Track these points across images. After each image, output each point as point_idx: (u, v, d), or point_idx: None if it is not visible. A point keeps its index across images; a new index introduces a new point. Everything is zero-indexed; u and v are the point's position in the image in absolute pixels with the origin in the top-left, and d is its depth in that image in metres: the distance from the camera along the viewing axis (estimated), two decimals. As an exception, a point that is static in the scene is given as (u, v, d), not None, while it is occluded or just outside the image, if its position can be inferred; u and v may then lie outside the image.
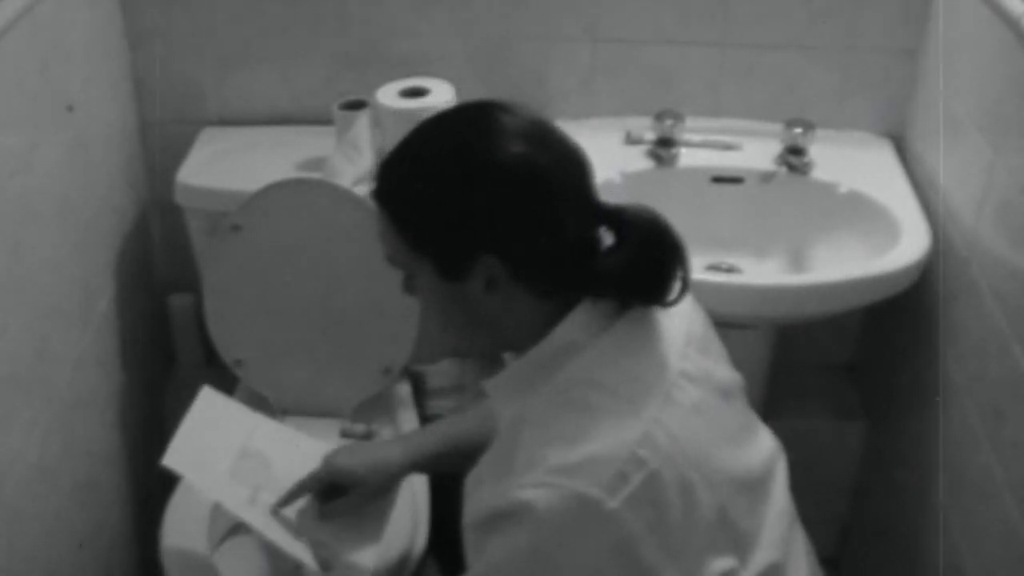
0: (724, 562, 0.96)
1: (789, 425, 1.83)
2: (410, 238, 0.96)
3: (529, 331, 0.98)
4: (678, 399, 0.96)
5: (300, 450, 1.41)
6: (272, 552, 1.65)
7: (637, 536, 0.89)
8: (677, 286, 0.98)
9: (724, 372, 1.06)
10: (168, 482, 1.61)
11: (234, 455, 1.38)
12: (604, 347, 0.96)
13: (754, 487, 1.02)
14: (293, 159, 1.71)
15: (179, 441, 1.36)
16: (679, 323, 1.01)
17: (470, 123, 0.96)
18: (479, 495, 0.95)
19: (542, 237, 0.93)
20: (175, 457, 1.34)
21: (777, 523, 1.04)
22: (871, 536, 1.84)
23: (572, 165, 0.96)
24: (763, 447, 1.08)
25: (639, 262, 0.95)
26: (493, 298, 0.95)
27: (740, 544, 0.98)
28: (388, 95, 1.65)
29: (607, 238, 0.98)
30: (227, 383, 1.79)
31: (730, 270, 1.68)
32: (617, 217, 0.97)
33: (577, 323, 0.97)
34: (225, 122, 1.82)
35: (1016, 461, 1.29)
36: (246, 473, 1.37)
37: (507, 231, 0.93)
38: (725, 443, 1.00)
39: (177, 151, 1.75)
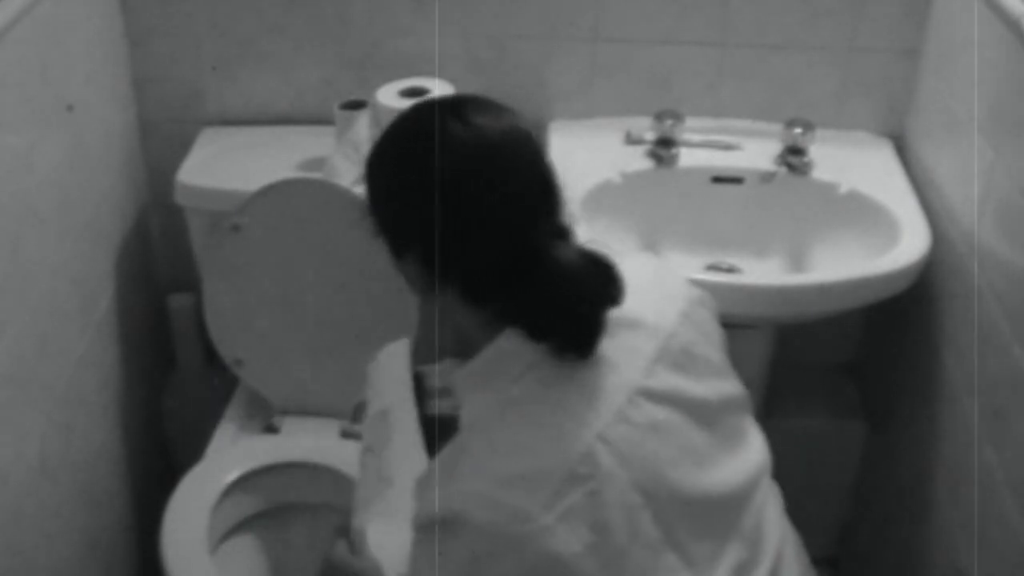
0: None
1: (789, 425, 1.85)
2: (369, 209, 1.02)
3: (471, 332, 0.99)
4: (632, 417, 0.94)
5: (413, 454, 1.42)
6: (272, 552, 1.66)
7: (572, 553, 0.88)
8: (597, 340, 0.95)
9: (703, 389, 1.02)
10: (168, 482, 1.61)
11: (382, 408, 1.39)
12: (558, 361, 0.95)
13: (718, 510, 1.00)
14: (293, 159, 1.71)
15: (382, 358, 1.37)
16: (651, 338, 1.00)
17: (420, 124, 0.99)
18: (425, 496, 0.95)
19: (457, 249, 0.94)
20: (379, 360, 1.35)
21: (742, 546, 1.01)
22: (871, 536, 1.84)
23: (511, 191, 0.94)
24: (740, 468, 1.04)
25: (550, 308, 0.93)
26: (428, 288, 0.99)
27: (697, 568, 0.96)
28: (388, 95, 1.65)
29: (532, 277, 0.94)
30: (227, 383, 1.79)
31: (730, 270, 1.68)
32: (543, 257, 0.93)
33: (516, 339, 0.96)
34: (225, 122, 1.82)
35: (1016, 461, 1.29)
36: (378, 428, 1.37)
37: (425, 234, 0.95)
38: (686, 463, 0.98)
39: (177, 151, 1.75)
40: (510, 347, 0.97)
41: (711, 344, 1.07)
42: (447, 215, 0.94)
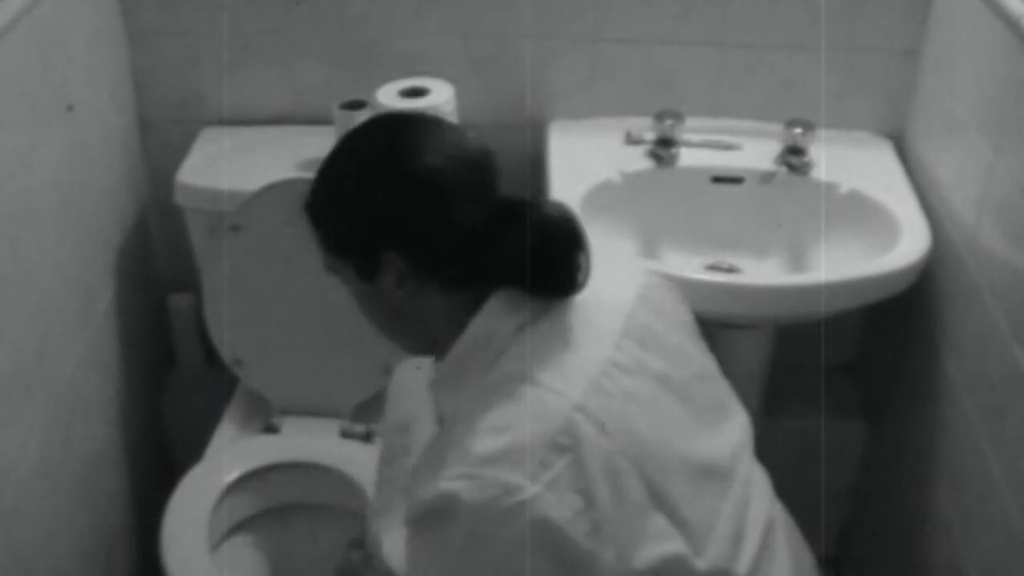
0: (668, 546, 0.97)
1: (789, 425, 1.84)
2: (327, 243, 1.05)
3: (449, 325, 1.02)
4: (607, 388, 0.98)
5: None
6: (272, 552, 1.65)
7: (563, 520, 0.91)
8: (579, 276, 1.01)
9: (667, 365, 1.06)
10: (168, 482, 1.61)
11: (403, 420, 1.39)
12: (531, 341, 0.99)
13: (705, 477, 1.03)
14: (293, 159, 1.71)
15: (405, 366, 1.38)
16: (614, 316, 1.04)
17: (371, 137, 1.04)
18: (415, 489, 0.97)
19: (438, 233, 0.99)
20: (401, 371, 1.36)
21: (732, 516, 1.03)
22: (871, 536, 1.84)
23: (470, 167, 1.01)
24: (720, 442, 1.07)
25: (533, 252, 0.99)
26: (405, 293, 1.02)
27: (690, 532, 0.99)
28: (388, 95, 1.65)
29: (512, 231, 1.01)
30: (227, 383, 1.79)
31: (730, 270, 1.68)
32: (516, 211, 1.00)
33: (492, 314, 1.00)
34: (225, 122, 1.81)
35: (1016, 461, 1.29)
36: (395, 439, 1.37)
37: (405, 230, 0.99)
38: (668, 431, 1.01)
39: (177, 151, 1.75)
40: (486, 326, 1.00)
41: (671, 324, 1.10)
42: (426, 203, 0.98)
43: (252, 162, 1.71)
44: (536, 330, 1.00)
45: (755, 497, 1.09)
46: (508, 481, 0.90)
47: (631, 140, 1.75)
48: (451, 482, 0.92)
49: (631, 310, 1.06)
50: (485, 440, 0.93)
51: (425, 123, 1.04)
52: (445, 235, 0.99)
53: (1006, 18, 1.36)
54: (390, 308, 1.05)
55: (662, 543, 0.96)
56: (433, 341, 1.06)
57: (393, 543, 1.28)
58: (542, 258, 0.99)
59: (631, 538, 0.95)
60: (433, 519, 0.93)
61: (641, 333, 1.05)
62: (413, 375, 1.36)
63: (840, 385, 1.97)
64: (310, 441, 1.68)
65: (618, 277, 1.09)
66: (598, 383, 0.97)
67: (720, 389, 1.13)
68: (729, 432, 1.10)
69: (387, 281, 1.02)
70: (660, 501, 0.97)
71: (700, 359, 1.12)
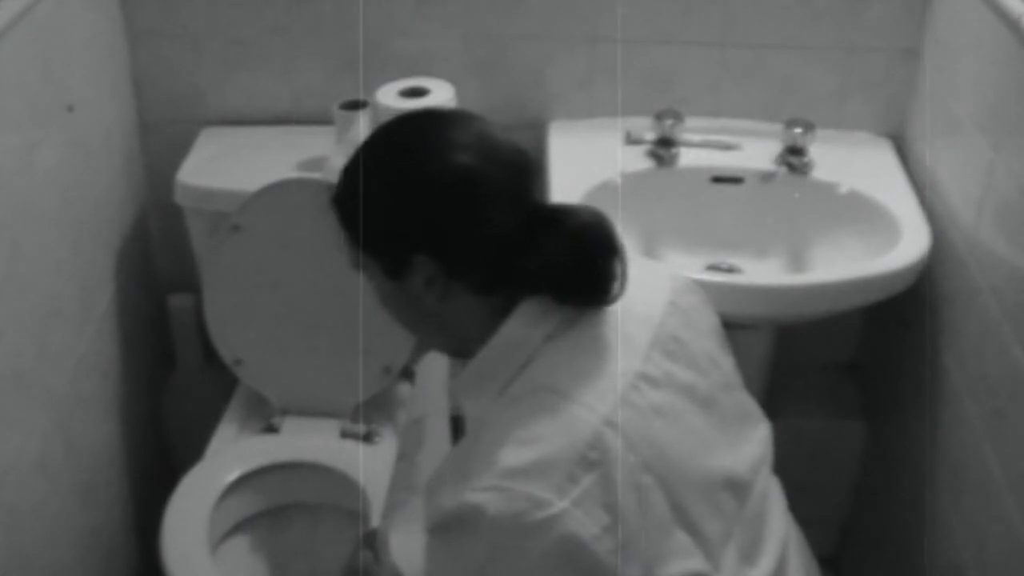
0: (690, 564, 0.96)
1: (789, 425, 1.83)
2: (355, 240, 1.03)
3: (477, 329, 1.00)
4: (635, 401, 0.96)
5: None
6: (272, 552, 1.65)
7: (590, 536, 0.90)
8: (615, 285, 0.98)
9: (695, 375, 1.04)
10: (168, 482, 1.61)
11: (417, 415, 1.39)
12: (560, 352, 0.97)
13: (725, 490, 1.02)
14: (293, 159, 1.71)
15: (423, 366, 1.39)
16: (644, 327, 1.02)
17: (404, 134, 1.02)
18: (438, 497, 0.96)
19: (471, 237, 0.97)
20: (418, 372, 1.37)
21: (746, 533, 1.03)
22: (871, 536, 1.84)
23: (506, 170, 0.98)
24: (740, 455, 1.06)
25: (570, 259, 0.97)
26: (434, 295, 0.99)
27: (709, 548, 0.98)
28: (388, 95, 1.65)
29: (547, 237, 0.98)
30: (227, 383, 1.79)
31: (730, 270, 1.68)
32: (552, 216, 0.98)
33: (523, 321, 0.98)
34: (225, 122, 1.81)
35: (1016, 461, 1.29)
36: (412, 434, 1.37)
37: (437, 233, 0.97)
38: (690, 444, 1.00)
39: (177, 151, 1.75)
40: (515, 334, 0.98)
41: (699, 331, 1.09)
42: (460, 206, 0.96)
43: (252, 162, 1.71)
44: (566, 340, 0.98)
45: (771, 511, 1.08)
46: (536, 495, 0.89)
47: (631, 140, 1.75)
48: (477, 493, 0.90)
49: (661, 319, 1.04)
50: (513, 452, 0.91)
51: (458, 120, 1.01)
52: (477, 239, 0.96)
53: (1006, 18, 1.36)
54: (416, 308, 1.02)
55: (685, 561, 0.95)
56: (459, 343, 1.04)
57: (401, 541, 1.27)
58: (577, 267, 0.97)
59: (655, 555, 0.94)
60: (455, 529, 0.92)
61: (670, 344, 1.03)
62: (431, 371, 1.35)
63: (840, 385, 1.97)
64: (310, 441, 1.68)
65: (649, 284, 1.07)
66: (627, 397, 0.96)
67: (745, 398, 1.12)
68: (751, 444, 1.08)
69: (415, 282, 0.99)
70: (682, 517, 0.96)
71: (727, 367, 1.11)
